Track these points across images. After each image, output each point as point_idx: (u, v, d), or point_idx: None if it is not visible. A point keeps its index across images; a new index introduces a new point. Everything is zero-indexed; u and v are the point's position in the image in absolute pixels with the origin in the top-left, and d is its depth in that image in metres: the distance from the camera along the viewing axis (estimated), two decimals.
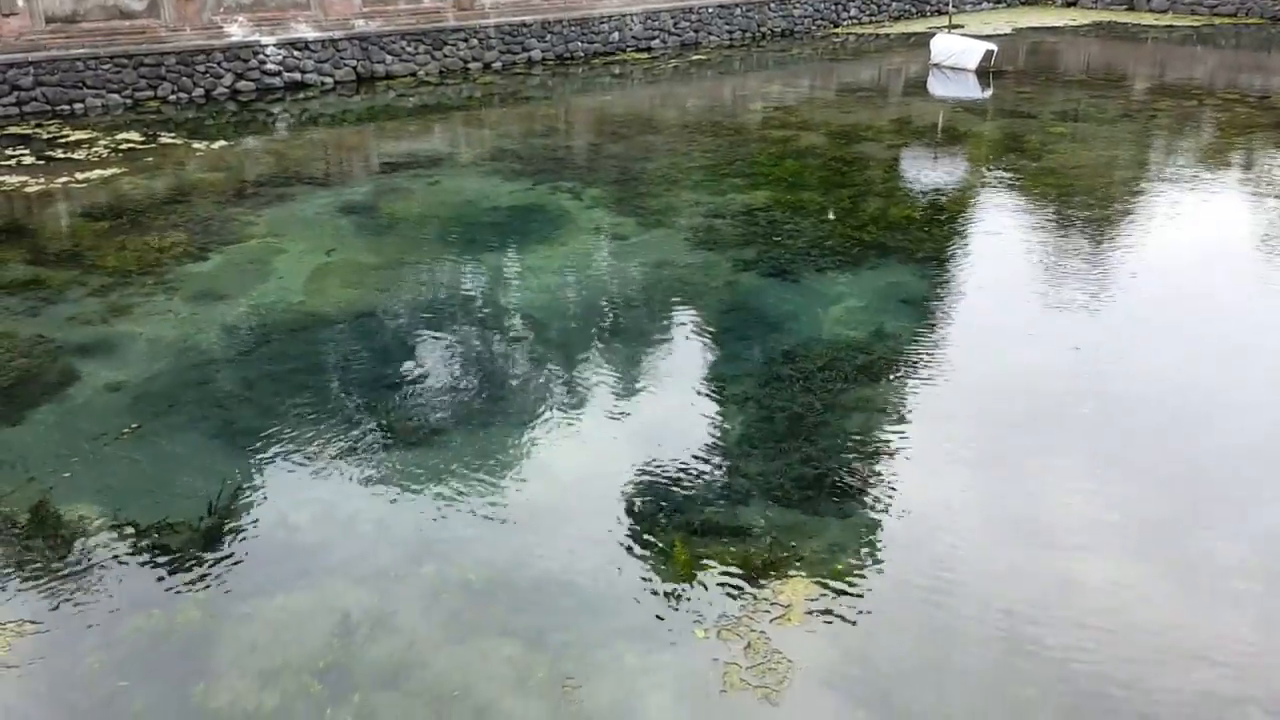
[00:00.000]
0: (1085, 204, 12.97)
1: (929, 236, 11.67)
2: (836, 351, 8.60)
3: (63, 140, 16.59)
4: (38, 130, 17.25)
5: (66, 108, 18.62)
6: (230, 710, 4.87)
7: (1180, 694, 4.96)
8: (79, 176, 14.40)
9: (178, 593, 5.71)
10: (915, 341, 8.92)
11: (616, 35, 25.40)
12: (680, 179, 14.35)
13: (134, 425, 7.49)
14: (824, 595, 5.60)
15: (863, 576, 5.79)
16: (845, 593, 5.63)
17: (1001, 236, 11.95)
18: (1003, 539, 6.21)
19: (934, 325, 9.33)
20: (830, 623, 5.42)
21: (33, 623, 5.48)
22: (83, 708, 4.92)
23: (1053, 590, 5.70)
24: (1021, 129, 17.31)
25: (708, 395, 8.07)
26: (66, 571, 5.93)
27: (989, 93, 17.21)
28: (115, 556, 6.04)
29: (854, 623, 5.42)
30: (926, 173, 14.96)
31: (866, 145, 16.22)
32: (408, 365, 8.61)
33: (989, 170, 14.88)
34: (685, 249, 11.34)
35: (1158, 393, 8.01)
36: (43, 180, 14.19)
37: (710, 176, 14.44)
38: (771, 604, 5.53)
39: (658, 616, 5.49)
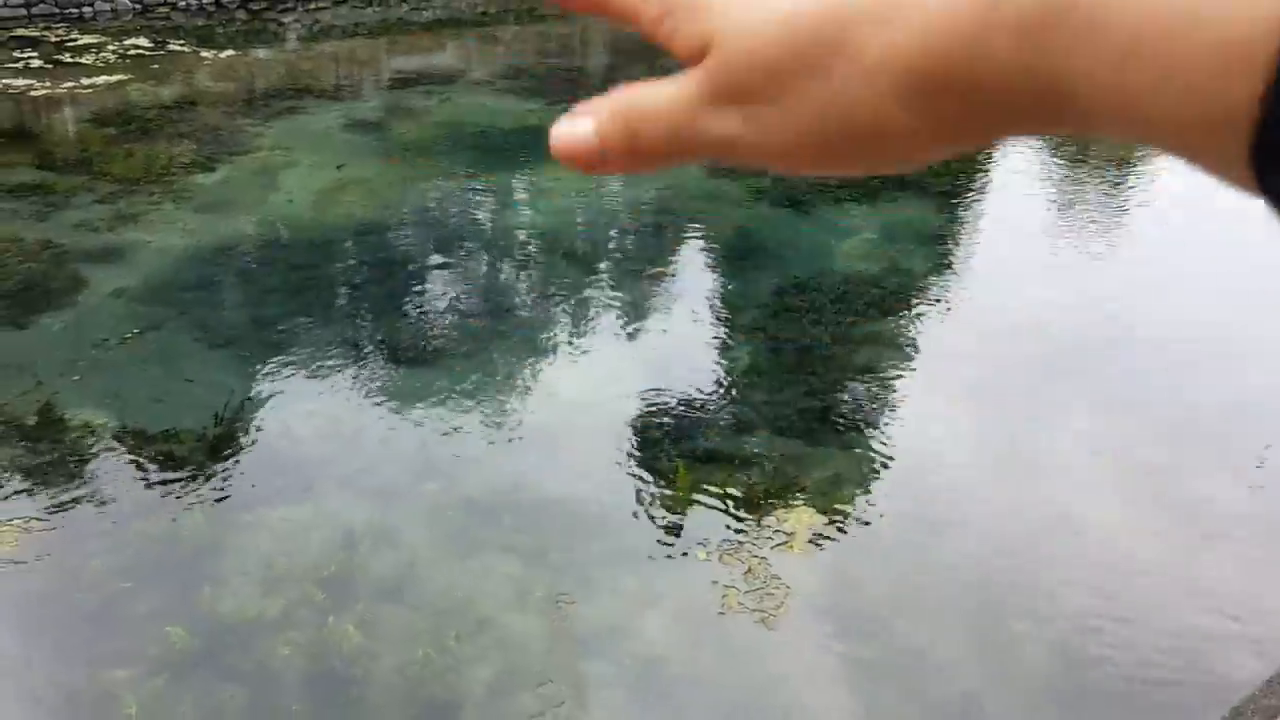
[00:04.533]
0: (1109, 142, 12.77)
1: (947, 170, 11.50)
2: (848, 285, 8.54)
3: (71, 44, 16.35)
4: (45, 34, 16.99)
5: (75, 11, 18.31)
6: (235, 614, 4.94)
7: (1169, 632, 5.01)
8: (86, 82, 14.20)
9: (183, 500, 5.76)
10: (928, 277, 8.85)
11: None
12: None
13: (137, 331, 7.50)
14: (826, 525, 5.63)
15: (864, 508, 5.81)
16: (846, 523, 5.66)
17: (1022, 173, 11.78)
18: (1004, 476, 6.23)
19: (948, 262, 9.26)
20: (830, 551, 5.46)
21: (40, 520, 5.55)
22: (89, 606, 4.99)
23: (1051, 528, 5.73)
24: None
25: (716, 324, 8.04)
26: (73, 474, 5.97)
27: None
28: (121, 462, 6.08)
29: (853, 552, 5.47)
30: None
31: None
32: (415, 283, 8.57)
33: None
34: (700, 175, 11.21)
35: (1170, 335, 7.97)
36: (49, 85, 14.00)
37: None
38: (774, 531, 5.56)
39: (658, 539, 5.54)
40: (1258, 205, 0.35)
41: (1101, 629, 5.01)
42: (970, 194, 11.03)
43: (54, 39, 16.65)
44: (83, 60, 15.37)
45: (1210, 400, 7.13)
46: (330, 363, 7.23)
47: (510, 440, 6.41)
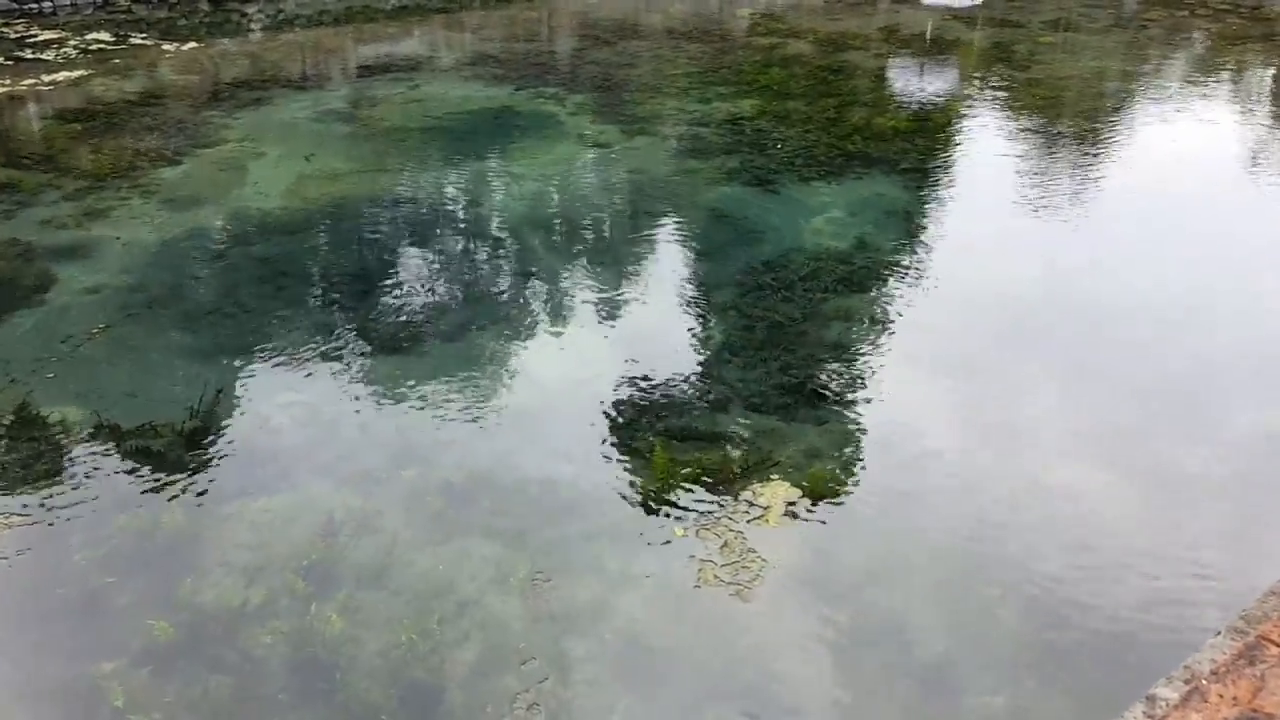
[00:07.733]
0: (1071, 116, 12.88)
1: (913, 147, 11.60)
2: (818, 262, 8.61)
3: (31, 40, 16.15)
4: (5, 30, 16.77)
5: (35, 6, 18.07)
6: (216, 604, 4.98)
7: (1140, 594, 5.12)
8: (48, 78, 14.05)
9: (162, 493, 5.77)
10: (896, 252, 8.94)
11: None
12: (665, 86, 14.14)
13: (108, 326, 7.47)
14: (801, 497, 5.71)
15: (838, 480, 5.90)
16: (821, 496, 5.75)
17: (986, 148, 11.89)
18: (975, 446, 6.33)
19: (915, 237, 9.35)
20: (805, 523, 5.54)
21: (20, 515, 5.55)
22: (72, 600, 5.01)
23: (1022, 495, 5.84)
24: (1010, 38, 17.08)
25: (689, 304, 8.10)
26: (51, 470, 5.97)
27: (978, 0, 16.97)
28: (99, 457, 6.09)
29: (828, 524, 5.55)
30: (912, 83, 14.79)
31: (853, 54, 15.99)
32: (389, 271, 8.58)
33: (975, 81, 14.72)
34: (669, 158, 11.25)
35: (1137, 305, 8.09)
36: (10, 82, 13.84)
37: (695, 84, 14.23)
38: (750, 505, 5.64)
39: (635, 517, 5.60)
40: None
41: (1073, 592, 5.12)
42: (937, 169, 11.12)
43: (13, 35, 16.43)
44: (44, 56, 15.19)
45: (1177, 366, 7.27)
46: (305, 352, 7.24)
47: (487, 423, 6.46)
